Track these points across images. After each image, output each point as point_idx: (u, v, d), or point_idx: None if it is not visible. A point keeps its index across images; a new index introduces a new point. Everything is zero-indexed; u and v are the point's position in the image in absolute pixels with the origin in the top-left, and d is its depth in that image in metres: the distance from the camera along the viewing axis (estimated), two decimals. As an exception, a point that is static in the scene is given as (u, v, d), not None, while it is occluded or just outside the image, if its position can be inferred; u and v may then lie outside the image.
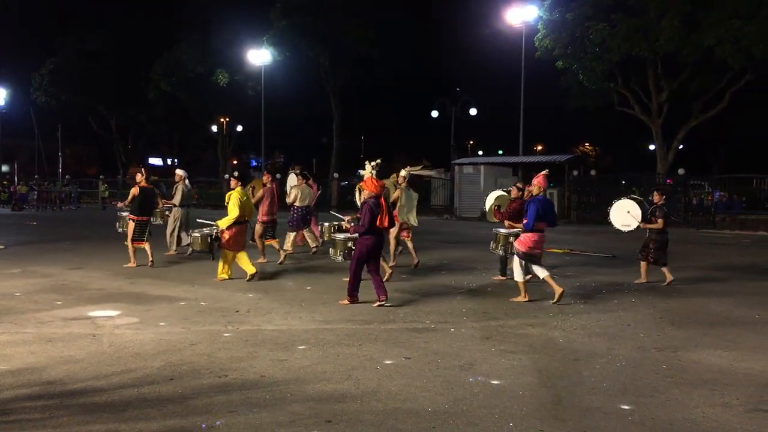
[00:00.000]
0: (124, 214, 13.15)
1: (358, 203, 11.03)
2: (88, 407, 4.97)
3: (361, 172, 10.84)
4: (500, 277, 11.22)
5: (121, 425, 4.63)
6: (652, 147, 35.88)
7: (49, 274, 11.48)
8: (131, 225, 12.46)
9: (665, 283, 10.74)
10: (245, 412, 4.91)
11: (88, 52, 45.87)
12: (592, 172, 31.39)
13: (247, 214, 11.00)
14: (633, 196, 11.57)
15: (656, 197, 10.98)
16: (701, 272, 12.52)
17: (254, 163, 70.63)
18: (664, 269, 10.84)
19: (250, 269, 10.82)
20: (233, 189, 10.93)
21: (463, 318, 8.28)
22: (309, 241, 14.71)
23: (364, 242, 8.89)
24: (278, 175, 11.94)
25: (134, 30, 47.01)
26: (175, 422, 4.72)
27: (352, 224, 9.82)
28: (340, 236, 10.08)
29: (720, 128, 40.20)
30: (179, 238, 14.27)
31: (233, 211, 10.64)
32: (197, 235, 11.37)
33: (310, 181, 14.84)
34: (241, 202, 10.76)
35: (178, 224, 14.25)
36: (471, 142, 63.06)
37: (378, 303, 8.84)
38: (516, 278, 9.41)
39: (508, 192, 11.60)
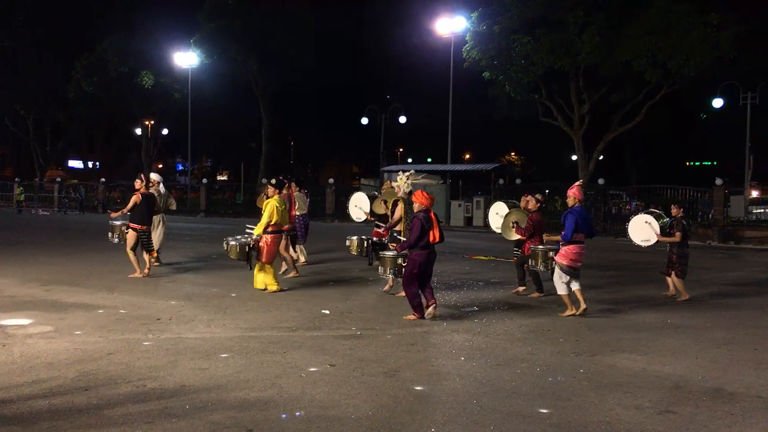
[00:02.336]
0: (118, 223, 12.36)
1: (381, 212, 10.92)
2: (-5, 421, 4.74)
3: (394, 184, 10.52)
4: (527, 290, 10.82)
5: (30, 439, 4.43)
6: (574, 157, 37.00)
7: (-43, 280, 10.91)
8: (132, 235, 11.68)
9: (665, 294, 10.83)
10: (163, 423, 4.79)
11: (3, 48, 43.84)
12: (517, 181, 32.17)
13: (283, 224, 10.70)
14: (652, 210, 11.18)
15: (674, 210, 10.87)
16: (619, 278, 12.99)
17: (180, 167, 69.13)
18: (680, 283, 10.68)
19: (261, 284, 10.51)
20: (271, 197, 10.57)
21: (390, 324, 8.32)
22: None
23: (416, 258, 8.56)
24: (273, 181, 11.34)
25: (54, 27, 45.22)
26: (89, 434, 4.56)
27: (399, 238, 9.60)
28: (389, 253, 9.59)
29: (638, 140, 41.86)
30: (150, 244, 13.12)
31: (266, 217, 10.32)
32: (234, 243, 10.67)
33: (303, 190, 13.83)
34: (278, 210, 10.41)
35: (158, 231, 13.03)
36: (401, 150, 63.53)
37: (430, 310, 8.62)
38: (559, 292, 9.20)
39: (514, 205, 11.56)
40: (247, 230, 11.22)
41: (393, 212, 10.67)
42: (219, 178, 68.69)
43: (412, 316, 8.61)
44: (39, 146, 50.10)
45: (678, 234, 10.60)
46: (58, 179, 42.53)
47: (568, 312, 9.08)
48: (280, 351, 6.86)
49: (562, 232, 9.09)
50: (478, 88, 33.83)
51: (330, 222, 30.47)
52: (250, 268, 11.08)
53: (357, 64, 43.20)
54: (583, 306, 9.04)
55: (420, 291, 8.67)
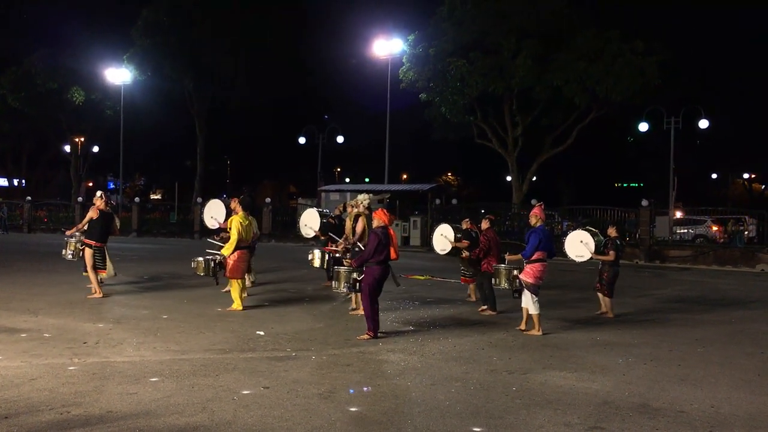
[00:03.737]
0: (73, 240, 11.97)
1: (348, 230, 10.86)
2: None
3: (359, 199, 10.73)
4: (490, 311, 10.91)
5: (-58, 471, 4.20)
6: (509, 178, 37.77)
7: None
8: (89, 252, 11.37)
9: (599, 312, 11.09)
10: (88, 451, 4.61)
11: None
12: (454, 201, 32.57)
13: (247, 239, 10.77)
14: (588, 227, 11.43)
15: (611, 231, 11.32)
16: (550, 297, 13.25)
17: (111, 186, 67.27)
18: (608, 301, 11.04)
19: (238, 304, 10.51)
20: (236, 213, 10.63)
21: (325, 345, 8.26)
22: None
23: (372, 272, 8.68)
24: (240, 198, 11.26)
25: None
26: (7, 465, 4.35)
27: (348, 254, 9.75)
28: (343, 268, 9.78)
29: (569, 162, 43.09)
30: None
31: (235, 235, 10.35)
32: (200, 260, 10.89)
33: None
34: (242, 226, 10.47)
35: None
36: (338, 170, 63.56)
37: (366, 336, 8.63)
38: (531, 312, 9.29)
39: (458, 228, 11.80)
40: (208, 251, 11.20)
41: (354, 228, 10.73)
42: (152, 196, 67.15)
43: (365, 336, 8.59)
44: (-40, 163, 47.98)
45: (612, 253, 10.92)
46: (-19, 197, 40.79)
47: (534, 331, 9.21)
48: (212, 374, 6.72)
49: (525, 250, 9.34)
50: (415, 110, 34.21)
51: (267, 242, 30.10)
52: (216, 283, 11.05)
53: (294, 84, 43.04)
54: (524, 327, 9.33)
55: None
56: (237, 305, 10.55)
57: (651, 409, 5.95)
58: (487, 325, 9.94)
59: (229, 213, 11.96)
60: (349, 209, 11.47)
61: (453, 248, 11.69)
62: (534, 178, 34.84)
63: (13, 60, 40.74)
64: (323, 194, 33.11)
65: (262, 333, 8.91)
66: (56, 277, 13.96)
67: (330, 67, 43.59)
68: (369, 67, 37.88)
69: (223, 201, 12.67)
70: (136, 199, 38.57)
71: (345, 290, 9.82)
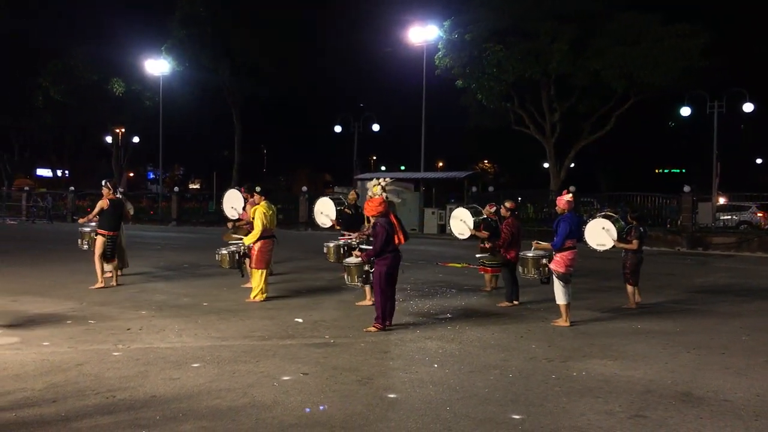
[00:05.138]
0: (88, 229, 12.12)
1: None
2: (-41, 434, 4.64)
3: (369, 190, 10.01)
4: (507, 303, 10.53)
5: (-5, 452, 4.34)
6: (546, 165, 37.37)
7: None
8: (101, 240, 11.42)
9: (627, 305, 10.53)
10: (133, 434, 4.72)
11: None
12: (490, 189, 32.37)
13: (272, 228, 10.57)
14: (608, 213, 10.78)
15: (631, 218, 10.84)
16: (592, 285, 13.10)
17: (151, 176, 68.40)
18: (631, 289, 10.58)
19: (254, 290, 10.39)
20: (257, 204, 10.48)
21: (363, 332, 8.29)
22: None
23: (383, 263, 8.45)
24: (258, 189, 11.13)
25: (20, 35, 44.54)
26: (57, 447, 4.48)
27: (362, 247, 9.34)
28: (353, 261, 9.52)
29: (608, 148, 42.44)
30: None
31: (259, 226, 10.21)
32: (224, 252, 10.77)
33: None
34: (266, 216, 10.31)
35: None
36: (374, 158, 63.62)
37: (374, 328, 8.38)
38: (559, 301, 8.98)
39: (476, 210, 11.54)
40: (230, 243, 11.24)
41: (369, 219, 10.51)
42: (191, 186, 68.13)
43: (372, 328, 8.36)
44: (6, 155, 49.24)
45: (635, 241, 10.49)
46: (26, 188, 41.82)
47: (561, 322, 8.95)
48: (252, 360, 6.81)
49: (554, 239, 9.02)
50: (450, 97, 34.05)
51: (303, 230, 30.33)
52: (242, 276, 11.09)
53: (330, 72, 43.18)
54: (568, 323, 8.97)
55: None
56: (259, 296, 10.35)
57: (695, 398, 5.85)
58: (526, 313, 9.87)
59: (245, 202, 12.00)
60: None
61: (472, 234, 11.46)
62: (572, 165, 34.41)
63: (54, 53, 41.59)
64: (359, 182, 33.17)
65: (300, 320, 8.98)
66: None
67: (365, 56, 43.64)
68: (404, 54, 37.77)
69: (239, 191, 12.63)
70: (175, 189, 39.20)
71: (359, 284, 9.63)
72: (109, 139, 48.92)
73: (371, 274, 8.86)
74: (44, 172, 62.70)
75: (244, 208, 11.95)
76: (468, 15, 29.41)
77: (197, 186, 68.10)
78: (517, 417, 5.27)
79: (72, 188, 39.75)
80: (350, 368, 6.60)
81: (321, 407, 5.40)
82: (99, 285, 11.37)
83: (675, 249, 23.52)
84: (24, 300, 10.09)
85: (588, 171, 48.42)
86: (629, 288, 10.65)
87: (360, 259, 9.37)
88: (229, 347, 7.37)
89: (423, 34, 33.45)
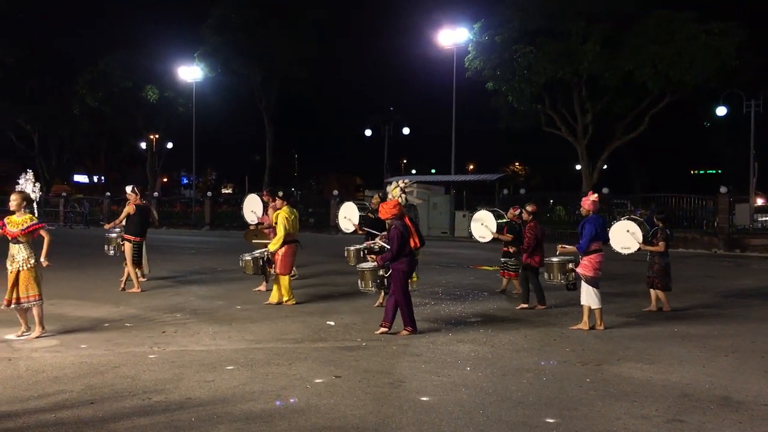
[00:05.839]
0: (114, 235, 12.30)
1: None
2: (1, 435, 4.74)
3: (389, 193, 9.84)
4: (524, 306, 10.41)
5: (36, 453, 4.43)
6: (578, 167, 37.00)
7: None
8: (129, 246, 11.52)
9: (647, 309, 10.29)
10: (169, 436, 4.78)
11: (5, 64, 44.10)
12: (522, 191, 32.14)
13: (294, 233, 10.46)
14: (633, 216, 10.51)
15: (658, 220, 10.57)
16: (625, 288, 12.92)
17: (185, 181, 69.30)
18: (663, 295, 10.34)
19: (275, 298, 10.37)
20: (279, 208, 10.40)
21: (395, 335, 8.29)
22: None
23: (400, 267, 8.27)
24: (280, 193, 11.10)
25: (58, 43, 45.58)
26: (95, 448, 4.55)
27: (377, 253, 9.10)
28: (368, 266, 9.34)
29: (641, 149, 41.86)
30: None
31: (281, 231, 10.14)
32: (248, 258, 10.74)
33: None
34: (288, 220, 10.23)
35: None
36: (404, 161, 63.63)
37: (381, 330, 8.29)
38: (593, 306, 8.75)
39: (498, 213, 11.40)
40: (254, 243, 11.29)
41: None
42: (224, 191, 68.83)
43: (404, 332, 8.24)
44: (44, 161, 50.32)
45: (662, 243, 10.22)
46: (63, 194, 42.69)
47: (597, 326, 8.72)
48: (285, 363, 6.85)
49: (580, 242, 8.78)
50: (481, 99, 33.97)
51: (334, 234, 30.44)
52: (266, 281, 11.13)
53: (360, 76, 43.41)
54: (587, 327, 8.77)
55: (388, 301, 8.38)
56: (291, 300, 10.34)
57: (733, 402, 5.74)
58: (559, 317, 9.78)
59: (265, 206, 12.03)
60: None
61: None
62: (605, 166, 34.02)
63: (90, 61, 42.43)
64: (388, 186, 33.17)
65: (332, 323, 9.02)
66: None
67: (395, 60, 43.90)
68: (434, 57, 37.79)
69: (259, 195, 12.66)
70: (209, 194, 39.66)
71: (373, 289, 9.43)
72: (143, 145, 49.70)
73: (386, 279, 8.61)
74: (81, 178, 63.95)
75: (264, 212, 11.98)
76: (498, 17, 29.30)
77: (229, 190, 68.78)
78: (551, 421, 5.22)
79: (108, 194, 40.45)
80: (382, 371, 6.60)
81: (291, 400, 5.57)
82: (135, 289, 11.48)
83: (712, 251, 23.10)
84: (62, 304, 10.29)
85: (621, 172, 47.81)
86: (652, 292, 10.39)
87: (374, 263, 9.19)
88: (262, 350, 7.43)
89: (453, 36, 33.43)
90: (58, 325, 8.60)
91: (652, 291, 10.40)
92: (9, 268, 7.77)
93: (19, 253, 7.76)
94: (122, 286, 11.64)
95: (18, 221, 7.78)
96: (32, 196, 7.90)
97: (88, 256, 18.19)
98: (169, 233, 31.97)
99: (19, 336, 7.84)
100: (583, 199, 9.22)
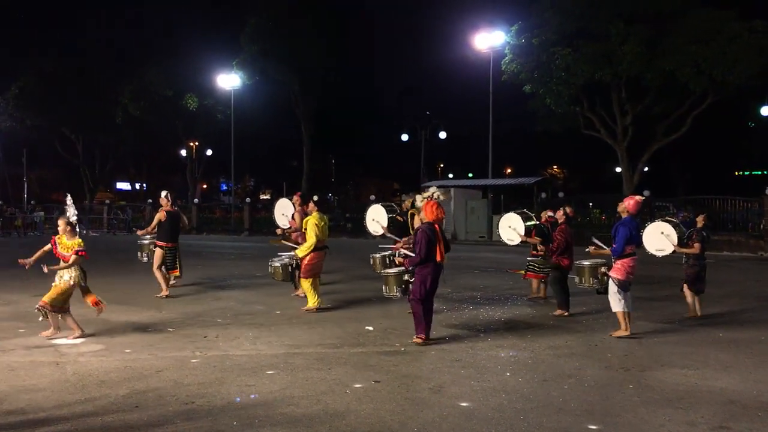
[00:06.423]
0: (146, 241, 12.53)
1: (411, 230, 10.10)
2: (50, 437, 4.86)
3: (418, 199, 9.49)
4: (561, 312, 10.12)
5: (84, 455, 4.53)
6: (618, 169, 36.48)
7: (13, 301, 11.24)
8: (159, 252, 11.73)
9: (688, 315, 9.99)
10: (212, 439, 4.84)
11: (51, 75, 45.32)
12: (560, 194, 31.78)
13: (324, 239, 10.38)
14: (668, 218, 10.22)
15: (700, 220, 10.33)
16: (670, 291, 12.69)
17: (224, 187, 70.22)
18: (696, 298, 10.07)
19: (309, 299, 10.34)
20: (309, 214, 10.38)
21: (433, 340, 8.27)
22: None
23: (424, 272, 7.97)
24: (315, 198, 11.12)
25: (101, 53, 46.72)
26: (140, 451, 4.64)
27: (404, 256, 8.87)
28: (392, 271, 9.23)
29: (684, 150, 41.10)
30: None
31: (311, 237, 10.11)
32: (277, 264, 10.80)
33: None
34: (318, 227, 10.18)
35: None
36: (441, 165, 63.50)
37: (418, 339, 8.03)
38: (615, 309, 8.58)
39: (526, 215, 11.31)
40: (279, 253, 11.37)
41: (412, 225, 10.08)
42: (262, 196, 69.54)
43: (417, 339, 8.02)
44: (88, 169, 51.51)
45: (697, 245, 9.90)
46: (107, 201, 43.63)
47: (621, 332, 8.52)
48: (324, 367, 6.89)
49: (614, 245, 8.59)
50: (518, 102, 33.71)
51: (371, 239, 30.52)
52: (295, 288, 11.20)
53: (397, 81, 43.48)
54: (628, 332, 8.53)
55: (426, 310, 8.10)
56: (313, 302, 10.28)
57: (783, 410, 5.59)
58: (600, 322, 9.64)
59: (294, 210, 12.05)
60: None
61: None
62: (645, 169, 33.46)
63: (132, 71, 43.35)
64: (431, 188, 33.10)
65: (371, 328, 9.04)
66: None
67: (432, 64, 43.78)
68: (471, 61, 37.69)
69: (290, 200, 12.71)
70: (247, 200, 40.10)
71: (398, 294, 9.17)
72: (183, 152, 50.54)
73: (411, 284, 8.47)
74: (123, 186, 65.33)
75: (293, 216, 12.02)
76: (535, 19, 29.09)
77: (267, 196, 69.44)
78: (593, 428, 5.15)
79: (149, 200, 41.21)
80: (421, 376, 6.59)
81: (252, 396, 5.76)
82: (164, 293, 11.63)
83: (758, 254, 22.53)
84: (107, 309, 10.47)
85: (663, 174, 46.98)
86: (689, 296, 10.11)
87: (399, 268, 9.11)
88: (302, 355, 7.48)
89: (489, 40, 33.32)
90: (102, 329, 8.79)
91: (689, 296, 10.12)
92: (56, 281, 8.24)
93: (66, 272, 8.22)
94: (166, 292, 11.78)
95: (68, 244, 8.25)
96: (73, 219, 8.38)
97: (130, 261, 18.53)
98: (209, 239, 32.42)
99: (49, 336, 8.22)
100: (627, 198, 8.98)
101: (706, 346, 8.02)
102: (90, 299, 8.45)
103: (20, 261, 8.36)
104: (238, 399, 5.80)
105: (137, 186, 61.98)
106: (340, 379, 6.44)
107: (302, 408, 5.57)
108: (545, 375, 6.68)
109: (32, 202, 44.74)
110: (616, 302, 8.56)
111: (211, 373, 6.67)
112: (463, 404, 5.72)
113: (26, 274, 9.03)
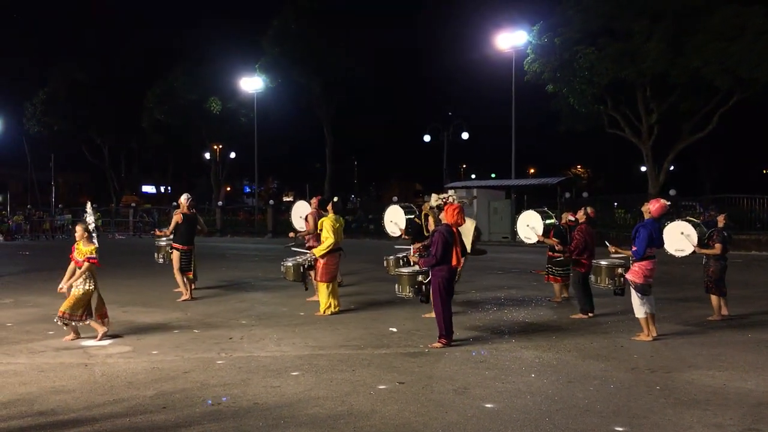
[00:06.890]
0: (163, 243, 12.61)
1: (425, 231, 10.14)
2: (80, 437, 4.94)
3: (431, 201, 9.71)
4: (581, 315, 9.98)
5: (113, 455, 4.60)
6: (643, 168, 36.10)
7: (42, 303, 11.43)
8: (176, 255, 11.78)
9: (712, 317, 9.77)
10: (238, 440, 4.89)
11: (78, 81, 46.03)
12: (584, 194, 31.53)
13: (339, 241, 10.28)
14: (689, 218, 9.92)
15: (721, 220, 10.10)
16: (694, 292, 12.53)
17: (248, 190, 70.67)
18: (716, 299, 9.84)
19: (321, 303, 10.23)
20: (325, 215, 10.35)
21: (457, 341, 8.26)
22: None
23: (439, 274, 7.88)
24: (335, 199, 11.09)
25: (126, 58, 47.35)
26: (168, 451, 4.70)
27: (421, 256, 8.76)
28: (406, 270, 9.19)
29: (711, 149, 40.55)
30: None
31: (329, 238, 10.02)
32: (289, 264, 10.76)
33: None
34: (333, 228, 10.11)
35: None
36: (464, 166, 63.29)
37: (439, 344, 7.92)
38: (637, 315, 8.41)
39: (545, 213, 11.27)
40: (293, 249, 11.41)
41: (427, 227, 10.10)
42: (285, 199, 69.88)
43: (438, 344, 7.89)
44: (114, 173, 52.17)
45: (718, 246, 9.66)
46: (133, 204, 44.16)
47: (643, 337, 8.37)
48: (349, 369, 6.92)
49: (634, 248, 8.40)
50: (540, 101, 33.48)
51: (395, 240, 30.55)
52: (305, 289, 11.13)
53: (418, 82, 43.39)
54: (654, 333, 8.38)
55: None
56: (327, 310, 10.16)
57: (814, 412, 5.50)
58: (626, 323, 9.54)
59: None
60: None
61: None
62: (671, 167, 33.05)
63: (157, 76, 43.87)
64: (449, 191, 33.11)
65: (395, 329, 9.05)
66: (201, 277, 14.83)
67: (454, 64, 43.69)
68: (492, 61, 37.55)
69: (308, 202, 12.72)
70: (270, 202, 40.31)
71: (411, 295, 9.06)
72: (207, 155, 50.98)
73: (424, 286, 8.40)
74: (148, 189, 66.06)
75: (306, 218, 12.02)
76: (557, 18, 28.88)
77: (290, 198, 69.73)
78: (620, 429, 5.12)
79: (174, 203, 41.61)
80: (446, 377, 6.59)
81: (224, 398, 5.80)
82: (185, 297, 11.68)
83: (787, 253, 22.17)
84: (133, 311, 10.64)
85: (689, 173, 46.43)
86: (713, 298, 9.90)
87: (413, 268, 9.04)
88: (326, 356, 7.52)
89: (511, 39, 33.17)
90: (129, 331, 8.91)
91: (713, 298, 9.92)
92: (74, 289, 8.31)
93: (82, 281, 8.27)
94: (189, 295, 11.85)
95: (84, 250, 8.33)
96: (91, 227, 8.48)
97: (156, 264, 18.74)
98: (233, 241, 32.67)
99: (70, 340, 8.32)
100: (653, 200, 8.78)
101: (734, 347, 7.92)
102: (100, 311, 8.38)
103: (59, 290, 8.38)
104: (220, 400, 5.84)
105: (162, 189, 62.61)
106: (365, 381, 6.46)
107: (327, 409, 5.60)
108: (570, 376, 6.64)
109: (60, 205, 45.42)
110: (638, 308, 8.42)
111: (236, 374, 6.73)
112: (488, 405, 5.71)
113: (57, 278, 9.15)
